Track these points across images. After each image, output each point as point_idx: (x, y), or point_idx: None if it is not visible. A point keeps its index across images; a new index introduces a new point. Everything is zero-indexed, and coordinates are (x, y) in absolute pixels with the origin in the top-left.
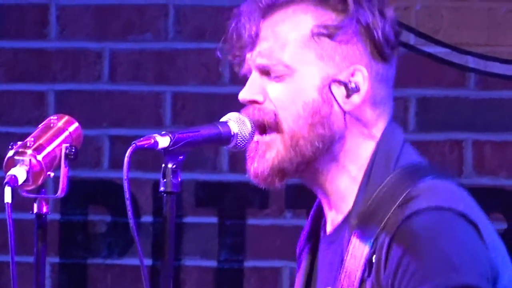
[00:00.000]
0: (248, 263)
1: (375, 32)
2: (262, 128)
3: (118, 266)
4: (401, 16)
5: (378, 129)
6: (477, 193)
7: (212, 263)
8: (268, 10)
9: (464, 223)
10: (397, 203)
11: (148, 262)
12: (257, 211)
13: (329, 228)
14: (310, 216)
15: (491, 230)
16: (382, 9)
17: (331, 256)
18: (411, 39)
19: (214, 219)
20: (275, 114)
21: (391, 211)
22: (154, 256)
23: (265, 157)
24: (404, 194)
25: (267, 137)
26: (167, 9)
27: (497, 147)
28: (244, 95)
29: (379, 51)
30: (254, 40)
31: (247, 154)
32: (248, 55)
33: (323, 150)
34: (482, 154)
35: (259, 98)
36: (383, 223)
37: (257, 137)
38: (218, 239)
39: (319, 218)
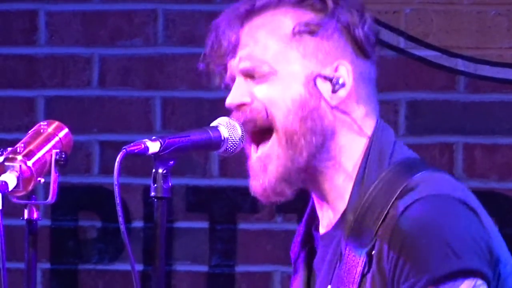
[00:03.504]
0: (239, 268)
1: (355, 31)
2: (256, 136)
3: (109, 271)
4: (390, 19)
5: (367, 127)
6: None
7: (203, 268)
8: (246, 17)
9: (463, 208)
10: (395, 196)
11: (139, 267)
12: (248, 216)
13: (324, 228)
14: (303, 221)
15: (489, 220)
16: (360, 11)
17: (329, 255)
18: (401, 42)
19: (205, 224)
20: (266, 111)
21: (390, 204)
22: (145, 261)
23: (268, 170)
24: (402, 187)
25: (265, 148)
26: (156, 14)
27: (488, 150)
28: (231, 99)
29: (361, 48)
30: (234, 48)
31: (250, 174)
32: (230, 63)
33: (318, 146)
34: (473, 157)
35: (247, 99)
36: (382, 217)
37: (253, 155)
38: (209, 244)
39: (312, 223)
